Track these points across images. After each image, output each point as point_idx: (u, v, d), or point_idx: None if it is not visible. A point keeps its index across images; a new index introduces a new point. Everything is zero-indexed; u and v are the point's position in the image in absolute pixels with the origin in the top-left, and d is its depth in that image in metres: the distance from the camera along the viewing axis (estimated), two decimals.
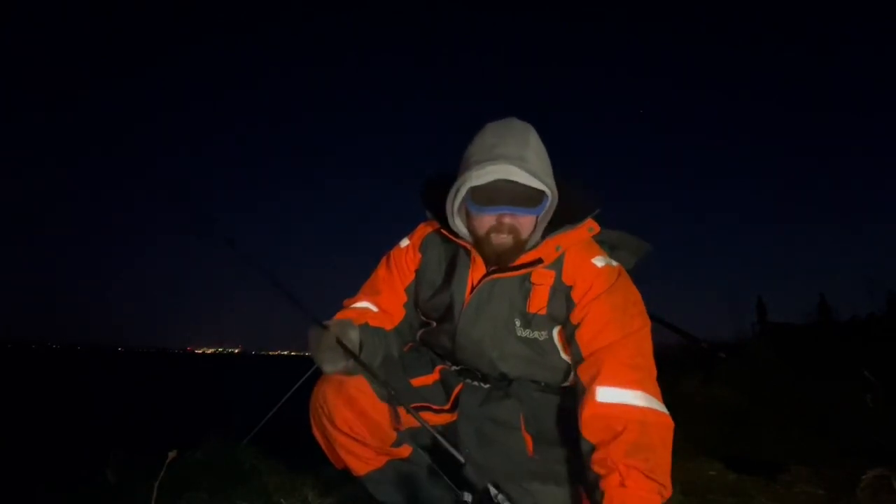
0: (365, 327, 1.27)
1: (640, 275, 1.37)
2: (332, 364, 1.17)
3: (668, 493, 1.06)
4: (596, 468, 1.08)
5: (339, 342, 1.13)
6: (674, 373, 3.97)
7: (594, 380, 1.15)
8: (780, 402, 3.50)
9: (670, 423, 1.12)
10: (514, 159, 1.18)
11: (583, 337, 1.21)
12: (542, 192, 1.22)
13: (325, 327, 1.16)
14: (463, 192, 1.25)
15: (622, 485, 1.03)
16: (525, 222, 1.24)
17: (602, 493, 1.05)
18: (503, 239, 1.24)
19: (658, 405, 1.13)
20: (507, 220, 1.22)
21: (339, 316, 1.32)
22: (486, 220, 1.24)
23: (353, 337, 1.19)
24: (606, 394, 1.12)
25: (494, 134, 1.25)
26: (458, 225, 1.31)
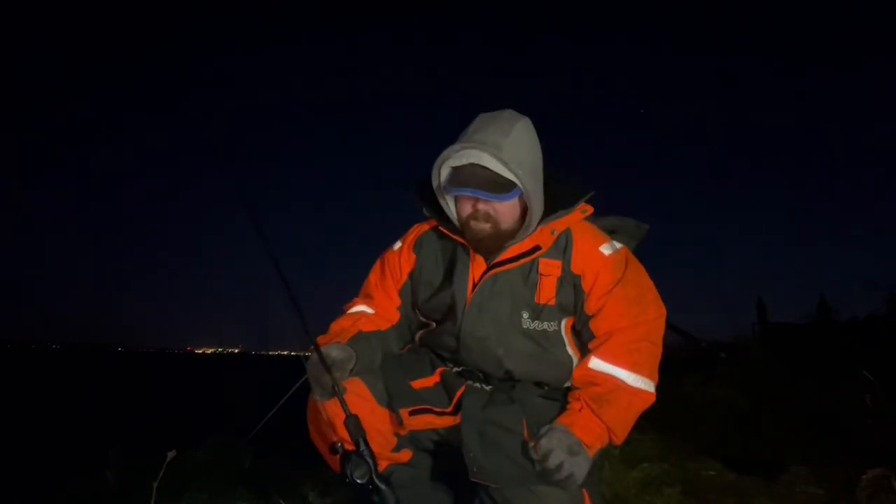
0: (357, 336, 1.27)
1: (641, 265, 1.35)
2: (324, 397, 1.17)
3: (617, 439, 1.19)
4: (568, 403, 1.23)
5: (326, 370, 1.11)
6: (674, 373, 3.97)
7: (594, 350, 1.25)
8: (780, 402, 3.50)
9: (649, 397, 1.22)
10: (488, 146, 1.20)
11: (598, 325, 1.27)
12: (512, 183, 1.22)
13: (310, 358, 1.15)
14: (444, 172, 1.28)
15: (578, 410, 1.19)
16: (501, 211, 1.24)
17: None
18: (480, 226, 1.25)
19: (645, 384, 1.21)
20: (481, 206, 1.24)
21: (335, 326, 1.32)
22: (463, 206, 1.27)
23: (335, 354, 1.18)
24: (598, 364, 1.23)
25: (481, 121, 1.27)
26: (449, 207, 1.32)
